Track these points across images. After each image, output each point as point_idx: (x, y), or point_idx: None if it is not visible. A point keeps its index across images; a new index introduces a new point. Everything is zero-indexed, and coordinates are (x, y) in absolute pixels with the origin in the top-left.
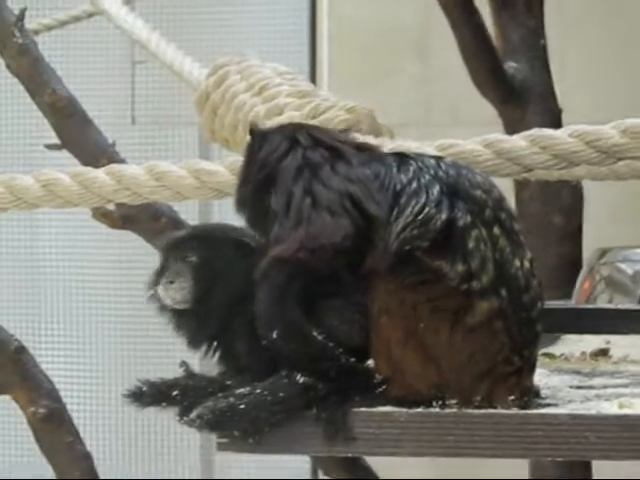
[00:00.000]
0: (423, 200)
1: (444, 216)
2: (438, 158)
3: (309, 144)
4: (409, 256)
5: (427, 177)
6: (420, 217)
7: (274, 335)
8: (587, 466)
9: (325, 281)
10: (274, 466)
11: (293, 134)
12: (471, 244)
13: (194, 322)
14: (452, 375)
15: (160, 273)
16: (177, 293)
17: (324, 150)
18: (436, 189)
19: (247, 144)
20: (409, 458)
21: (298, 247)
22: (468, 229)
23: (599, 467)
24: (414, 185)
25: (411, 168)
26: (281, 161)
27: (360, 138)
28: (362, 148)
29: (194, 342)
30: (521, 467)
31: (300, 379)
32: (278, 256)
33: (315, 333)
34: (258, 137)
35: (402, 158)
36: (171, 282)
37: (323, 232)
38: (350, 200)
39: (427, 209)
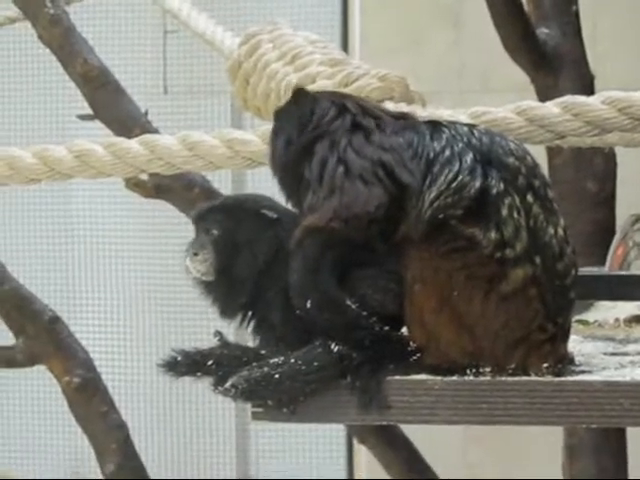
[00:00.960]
0: (456, 168)
1: (477, 184)
2: (471, 126)
3: (357, 111)
4: (443, 224)
5: (460, 145)
6: (453, 185)
7: (308, 305)
8: (622, 433)
9: (358, 250)
10: (309, 434)
11: (341, 101)
12: (504, 212)
13: (223, 293)
14: (486, 343)
15: (189, 244)
16: (201, 265)
17: (369, 118)
18: (469, 157)
19: (289, 104)
20: (445, 458)
21: (331, 216)
22: (501, 197)
23: (634, 434)
24: (447, 153)
25: (444, 136)
26: (330, 125)
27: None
28: (398, 117)
29: (226, 312)
30: (554, 467)
31: (334, 348)
32: (311, 226)
33: (349, 302)
34: (307, 99)
35: (435, 126)
36: (195, 254)
37: (356, 201)
38: (383, 169)
39: (460, 177)
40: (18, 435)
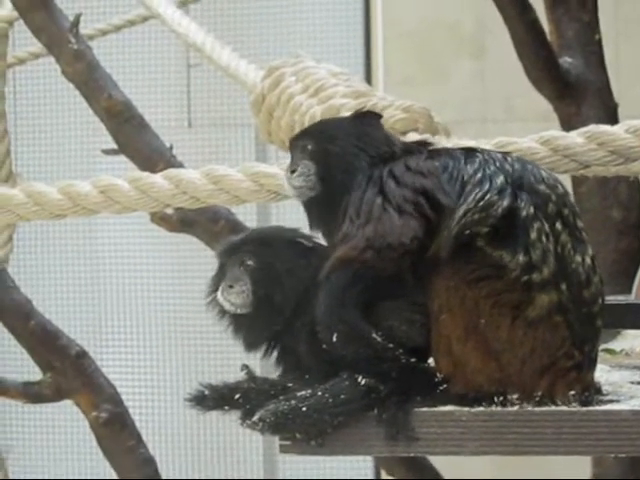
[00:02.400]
0: (486, 188)
1: (505, 203)
2: (504, 153)
3: (398, 143)
4: (470, 246)
5: (492, 168)
6: (481, 203)
7: (334, 338)
8: None
9: (386, 282)
10: (337, 466)
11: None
12: (533, 235)
13: (253, 325)
14: (513, 370)
15: (219, 278)
16: (237, 298)
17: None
18: (500, 179)
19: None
20: (473, 475)
21: (365, 246)
22: (531, 220)
23: None
24: (479, 175)
25: (477, 160)
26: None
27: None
28: (424, 145)
29: (252, 344)
30: (583, 466)
31: (361, 381)
32: (343, 257)
33: (375, 334)
34: (373, 118)
35: (469, 151)
36: (230, 287)
37: (392, 232)
38: (424, 195)
39: (489, 195)
40: (46, 470)
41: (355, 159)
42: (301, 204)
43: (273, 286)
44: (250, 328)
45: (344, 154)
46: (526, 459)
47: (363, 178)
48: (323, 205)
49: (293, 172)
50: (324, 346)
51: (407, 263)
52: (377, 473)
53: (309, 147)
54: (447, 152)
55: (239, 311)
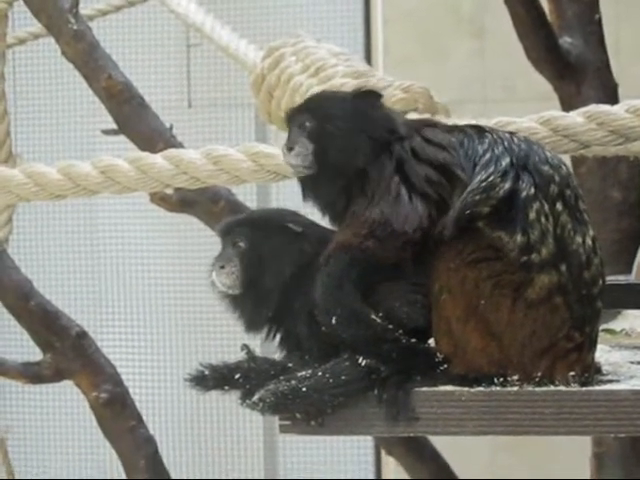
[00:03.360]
0: (491, 169)
1: (507, 186)
2: (511, 133)
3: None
4: (471, 227)
5: (500, 148)
6: (484, 184)
7: (333, 321)
8: None
9: (386, 265)
10: (337, 446)
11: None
12: (532, 216)
13: (249, 306)
14: (513, 351)
15: (215, 258)
16: (227, 278)
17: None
18: (506, 161)
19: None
20: (473, 455)
21: (367, 233)
22: (530, 201)
23: None
24: (488, 156)
25: (487, 140)
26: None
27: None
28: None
29: (252, 326)
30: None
31: (362, 361)
32: (345, 243)
33: (374, 316)
34: (374, 98)
35: (479, 130)
36: (222, 267)
37: (397, 218)
38: (442, 170)
39: (492, 177)
40: (46, 450)
41: (354, 140)
42: (297, 180)
43: (259, 269)
44: (244, 310)
45: (342, 135)
46: (527, 443)
47: (382, 155)
48: (319, 183)
49: (290, 149)
50: (323, 329)
51: (408, 253)
52: (378, 473)
53: (307, 124)
54: (460, 129)
55: (230, 292)
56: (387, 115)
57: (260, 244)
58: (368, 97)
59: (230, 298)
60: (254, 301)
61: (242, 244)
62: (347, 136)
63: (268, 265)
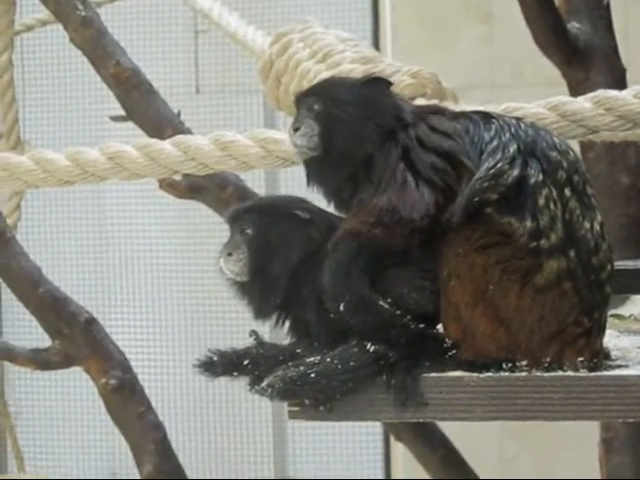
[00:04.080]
0: (499, 157)
1: (516, 172)
2: (517, 119)
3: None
4: (480, 213)
5: (507, 135)
6: (492, 171)
7: (341, 308)
8: None
9: (394, 253)
10: (345, 435)
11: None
12: (541, 202)
13: (257, 293)
14: (522, 336)
15: (224, 245)
16: (235, 265)
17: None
18: (513, 147)
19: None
20: (482, 441)
21: (375, 220)
22: (539, 187)
23: None
24: (495, 142)
25: (493, 127)
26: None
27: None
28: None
29: (261, 313)
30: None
31: (370, 347)
32: (352, 230)
33: (382, 302)
34: (382, 85)
35: (486, 117)
36: (229, 254)
37: (405, 205)
38: (448, 157)
39: (500, 164)
40: (55, 437)
41: (361, 127)
42: (302, 163)
43: (266, 256)
44: (252, 297)
45: (350, 121)
46: (536, 428)
47: (388, 142)
48: (323, 166)
49: (296, 130)
50: (332, 315)
51: (416, 240)
52: (387, 473)
53: (315, 107)
54: (466, 116)
55: (238, 279)
56: (395, 102)
57: (268, 231)
58: (377, 84)
59: (238, 285)
60: (262, 288)
61: (249, 231)
62: (354, 121)
63: (276, 252)
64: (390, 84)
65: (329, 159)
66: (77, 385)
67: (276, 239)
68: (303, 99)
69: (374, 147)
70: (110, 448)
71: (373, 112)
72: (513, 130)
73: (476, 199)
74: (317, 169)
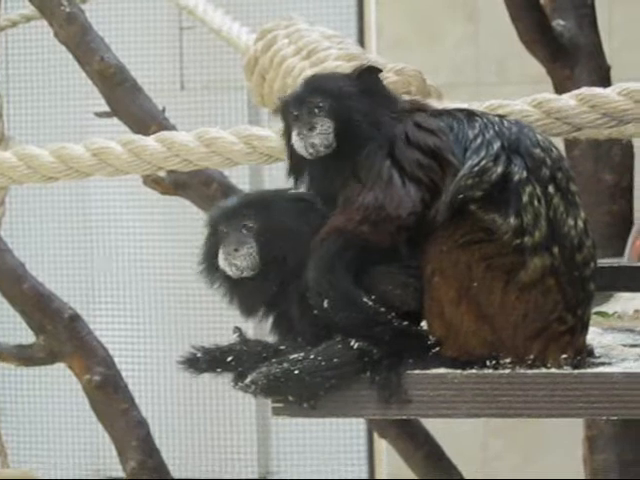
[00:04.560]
0: (483, 154)
1: (500, 169)
2: (501, 116)
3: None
4: (464, 210)
5: (491, 132)
6: (476, 169)
7: (325, 304)
8: None
9: (379, 250)
10: (329, 433)
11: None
12: (525, 199)
13: (249, 290)
14: (506, 334)
15: (213, 244)
16: (244, 260)
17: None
18: (497, 145)
19: (362, 75)
20: (466, 439)
21: (361, 218)
22: (523, 184)
23: None
24: (479, 140)
25: (477, 124)
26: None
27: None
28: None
29: (249, 309)
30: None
31: (354, 344)
32: (339, 227)
33: (366, 299)
34: (376, 77)
35: (469, 114)
36: (236, 250)
37: (391, 202)
38: (433, 154)
39: (484, 162)
40: (39, 433)
41: (376, 115)
42: (307, 166)
43: (279, 245)
44: (249, 292)
45: (365, 111)
46: (519, 426)
47: (378, 136)
48: (333, 162)
49: (312, 129)
50: (316, 312)
51: (402, 237)
52: (371, 472)
53: (322, 104)
54: (450, 113)
55: (244, 274)
56: (389, 94)
57: (274, 221)
58: (371, 74)
59: (233, 283)
60: (258, 283)
61: (253, 224)
62: (370, 111)
63: (286, 241)
64: (380, 70)
65: (341, 153)
66: (61, 381)
67: (285, 227)
68: (304, 101)
69: (385, 133)
70: (94, 444)
71: (381, 100)
72: (497, 127)
73: (460, 196)
74: (324, 167)
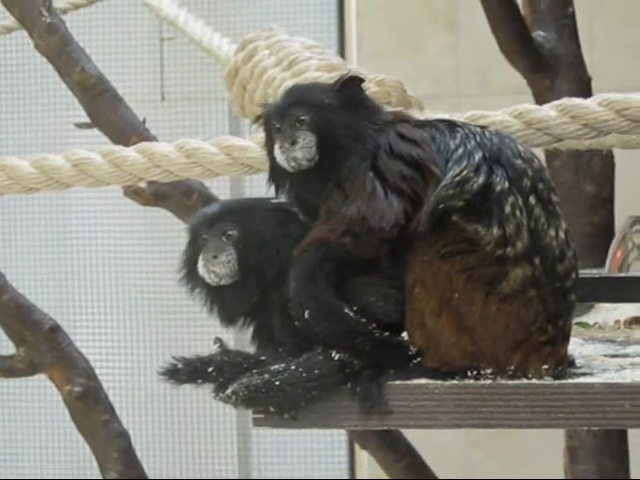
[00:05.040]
0: (464, 164)
1: (481, 180)
2: (482, 127)
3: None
4: (446, 221)
5: (473, 143)
6: (457, 179)
7: (306, 315)
8: (623, 435)
9: (360, 261)
10: (310, 436)
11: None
12: (507, 209)
13: (228, 298)
14: (487, 344)
15: (193, 251)
16: (223, 268)
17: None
18: (478, 155)
19: (344, 85)
20: (447, 451)
21: (344, 229)
22: (505, 195)
23: (635, 436)
24: (460, 151)
25: (459, 135)
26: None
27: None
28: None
29: (229, 318)
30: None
31: (335, 355)
32: (321, 238)
33: (347, 310)
34: (359, 87)
35: (451, 125)
36: (215, 257)
37: (374, 215)
38: (416, 165)
39: (465, 172)
40: (20, 445)
41: (358, 127)
42: (288, 178)
43: (259, 254)
44: (228, 300)
45: (347, 123)
46: (500, 436)
47: (360, 147)
48: (315, 174)
49: (294, 144)
50: (296, 323)
51: (385, 249)
52: (352, 474)
53: (304, 117)
54: (432, 124)
55: (223, 282)
56: (371, 104)
57: (254, 230)
58: (351, 84)
59: (212, 291)
60: (239, 291)
61: (234, 232)
62: (352, 123)
63: (266, 249)
64: (362, 80)
65: (323, 166)
66: (42, 393)
67: (265, 236)
68: (282, 113)
69: (368, 144)
70: (74, 456)
71: (364, 112)
72: (478, 138)
73: (441, 206)
74: (306, 179)
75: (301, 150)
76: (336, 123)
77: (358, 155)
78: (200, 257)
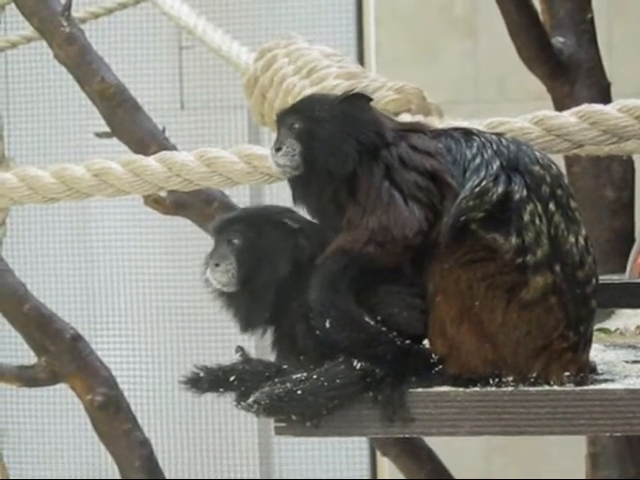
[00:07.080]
0: (482, 175)
1: (500, 189)
2: (498, 134)
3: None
4: (465, 230)
5: (490, 152)
6: (477, 190)
7: (327, 324)
8: None
9: (383, 270)
10: (332, 447)
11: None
12: (526, 218)
13: (245, 305)
14: (508, 352)
15: (209, 256)
16: (222, 276)
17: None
18: (496, 164)
19: (351, 101)
20: (468, 457)
21: (368, 239)
22: (524, 203)
23: None
24: (477, 160)
25: (475, 144)
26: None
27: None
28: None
29: (248, 325)
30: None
31: (357, 365)
32: (345, 247)
33: (368, 318)
34: (363, 101)
35: (467, 133)
36: (217, 265)
37: (396, 224)
38: (431, 176)
39: (484, 182)
40: (42, 454)
41: (342, 144)
42: (286, 181)
43: (255, 266)
44: (239, 308)
45: (331, 138)
46: (522, 443)
47: (370, 161)
48: (306, 184)
49: (278, 150)
50: (318, 332)
51: (408, 257)
52: (373, 474)
53: (296, 126)
54: (447, 134)
55: (225, 289)
56: (376, 119)
57: (255, 241)
58: (356, 100)
59: (225, 297)
60: (250, 299)
61: (237, 241)
62: (335, 139)
63: (264, 262)
64: (370, 99)
65: (312, 177)
66: (63, 402)
67: (264, 249)
68: (284, 118)
69: (356, 165)
70: (96, 465)
71: (354, 129)
72: (495, 146)
73: (462, 218)
74: (301, 187)
75: (282, 157)
76: (318, 136)
77: (367, 167)
78: (207, 262)
